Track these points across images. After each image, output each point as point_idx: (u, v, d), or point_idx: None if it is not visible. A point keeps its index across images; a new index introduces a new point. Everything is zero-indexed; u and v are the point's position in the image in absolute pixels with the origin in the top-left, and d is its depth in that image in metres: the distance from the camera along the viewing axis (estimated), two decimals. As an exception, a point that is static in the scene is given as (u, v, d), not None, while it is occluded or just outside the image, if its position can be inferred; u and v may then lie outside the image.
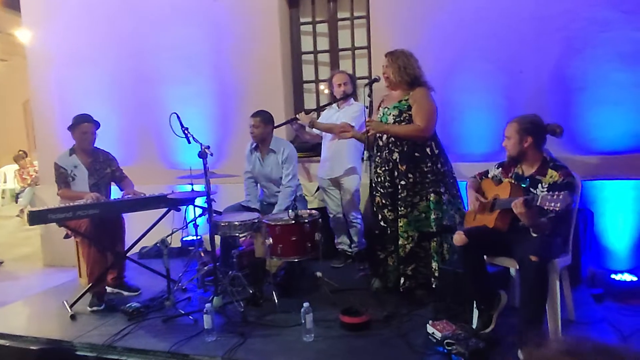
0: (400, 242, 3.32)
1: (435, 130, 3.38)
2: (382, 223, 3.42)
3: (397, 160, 3.31)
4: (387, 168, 3.35)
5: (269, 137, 4.01)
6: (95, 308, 3.57)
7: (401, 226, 3.30)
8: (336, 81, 4.08)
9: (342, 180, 4.07)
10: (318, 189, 4.38)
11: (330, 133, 4.05)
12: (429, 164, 3.29)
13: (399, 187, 3.31)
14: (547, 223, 2.64)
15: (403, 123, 3.30)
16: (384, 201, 3.39)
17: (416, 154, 3.29)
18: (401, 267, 3.34)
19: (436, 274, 3.27)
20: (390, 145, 3.33)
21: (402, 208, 3.30)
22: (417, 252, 3.31)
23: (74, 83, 5.37)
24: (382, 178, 3.38)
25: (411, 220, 3.29)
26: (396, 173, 3.32)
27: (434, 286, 3.28)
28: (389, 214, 3.37)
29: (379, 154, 3.41)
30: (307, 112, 4.21)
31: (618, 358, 0.93)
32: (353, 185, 4.05)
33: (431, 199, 3.28)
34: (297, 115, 4.12)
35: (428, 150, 3.30)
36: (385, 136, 3.35)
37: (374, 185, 3.43)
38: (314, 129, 4.11)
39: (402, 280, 3.35)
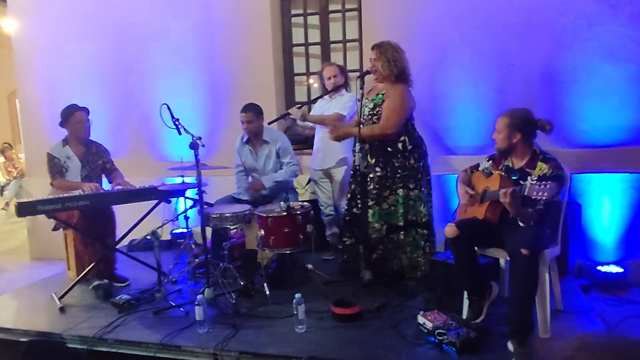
0: (369, 232, 3.38)
1: (413, 125, 3.44)
2: (354, 210, 3.52)
3: (368, 151, 3.38)
4: (359, 158, 3.40)
5: (262, 129, 4.01)
6: (97, 282, 3.63)
7: (369, 217, 3.37)
8: (326, 74, 4.08)
9: (333, 172, 4.08)
10: (309, 181, 4.38)
11: (321, 125, 4.06)
12: (400, 159, 3.36)
13: (368, 179, 3.37)
14: (533, 213, 2.68)
15: (375, 117, 3.38)
16: (357, 189, 3.47)
17: (388, 149, 3.36)
18: (366, 255, 3.40)
19: (405, 264, 3.39)
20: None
21: (371, 200, 3.37)
22: (385, 244, 3.39)
23: (61, 74, 5.29)
24: (357, 167, 3.44)
25: (377, 212, 3.36)
26: (366, 164, 3.36)
27: (406, 277, 3.40)
28: (359, 202, 3.44)
29: (357, 144, 3.44)
30: (299, 105, 4.21)
31: None
32: (344, 177, 4.06)
33: (400, 193, 3.35)
34: (289, 110, 4.13)
35: (400, 145, 3.36)
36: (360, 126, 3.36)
37: (353, 172, 3.55)
38: (306, 122, 4.13)
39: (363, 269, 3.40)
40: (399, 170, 3.34)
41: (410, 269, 3.41)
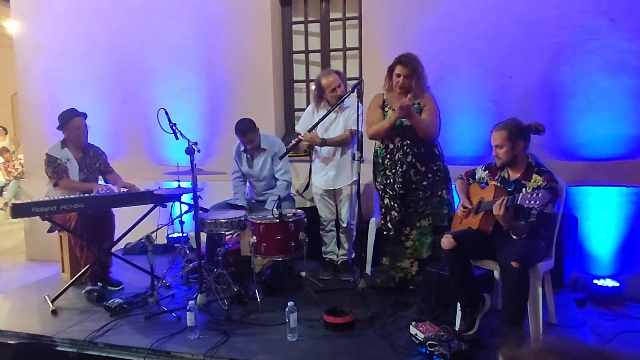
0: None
1: None
2: (389, 225, 3.56)
3: (412, 162, 3.43)
4: (401, 170, 3.44)
5: (260, 139, 3.98)
6: (90, 287, 3.61)
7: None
8: (329, 86, 3.71)
9: (343, 189, 3.92)
10: (307, 187, 4.32)
11: (340, 145, 3.85)
12: (438, 163, 3.50)
13: (417, 186, 3.46)
14: (526, 226, 2.68)
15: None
16: (392, 203, 3.50)
17: (430, 154, 3.47)
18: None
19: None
20: (406, 147, 3.43)
21: (421, 207, 3.49)
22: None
23: (62, 75, 5.30)
24: (392, 180, 3.48)
25: (433, 215, 3.48)
26: (412, 173, 3.44)
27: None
28: (396, 215, 3.50)
29: (388, 157, 3.49)
30: (310, 129, 3.79)
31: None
32: (353, 192, 3.84)
33: (443, 195, 3.49)
34: (300, 137, 3.80)
35: (436, 150, 3.51)
36: (398, 138, 3.45)
37: (382, 187, 3.57)
38: (324, 147, 3.86)
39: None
40: (438, 174, 3.47)
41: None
